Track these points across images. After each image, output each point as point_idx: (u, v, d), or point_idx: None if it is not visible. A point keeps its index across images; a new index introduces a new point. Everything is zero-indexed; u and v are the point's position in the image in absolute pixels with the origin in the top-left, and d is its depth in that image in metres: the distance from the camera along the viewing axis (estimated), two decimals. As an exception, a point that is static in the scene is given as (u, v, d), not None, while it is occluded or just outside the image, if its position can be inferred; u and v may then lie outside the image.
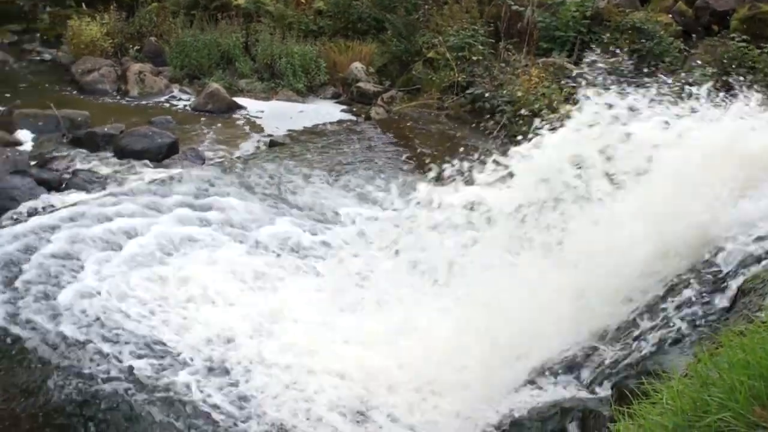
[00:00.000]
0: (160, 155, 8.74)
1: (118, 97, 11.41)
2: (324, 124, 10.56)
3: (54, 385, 4.50)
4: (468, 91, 10.37)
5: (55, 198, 7.51)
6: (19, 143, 9.20)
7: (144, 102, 11.20)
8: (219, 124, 10.29)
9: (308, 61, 11.94)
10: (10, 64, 12.82)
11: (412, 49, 11.76)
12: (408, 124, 9.97)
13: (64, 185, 7.86)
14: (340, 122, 10.72)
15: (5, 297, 5.37)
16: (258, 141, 9.76)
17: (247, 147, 9.51)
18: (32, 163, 8.52)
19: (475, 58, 10.71)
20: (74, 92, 11.56)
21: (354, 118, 11.01)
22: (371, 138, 9.47)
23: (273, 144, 9.29)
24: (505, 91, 9.78)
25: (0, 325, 5.05)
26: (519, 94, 9.48)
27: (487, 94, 9.93)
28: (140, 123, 9.89)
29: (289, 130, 10.17)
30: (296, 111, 11.07)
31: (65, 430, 4.24)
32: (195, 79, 12.04)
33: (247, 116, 10.76)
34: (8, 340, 4.93)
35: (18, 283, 5.53)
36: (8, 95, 11.10)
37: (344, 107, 11.47)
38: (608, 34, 10.66)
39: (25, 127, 9.61)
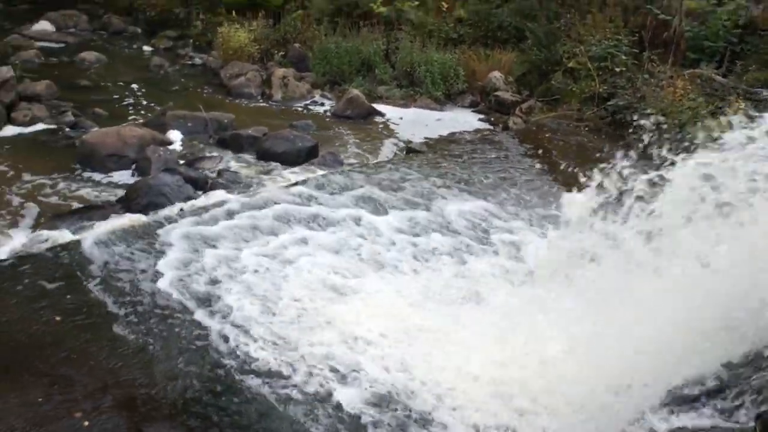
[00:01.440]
0: (300, 158, 8.99)
1: (263, 101, 11.84)
2: (461, 132, 10.55)
3: (197, 374, 4.71)
4: (609, 103, 10.11)
5: (200, 196, 7.87)
6: (170, 143, 9.70)
7: (287, 106, 11.58)
8: (358, 130, 10.48)
9: (447, 69, 11.98)
10: (165, 68, 13.59)
11: (552, 59, 11.59)
12: (546, 134, 9.83)
13: (209, 184, 8.22)
14: (477, 131, 10.69)
15: (165, 283, 5.70)
16: (395, 147, 9.88)
17: (385, 153, 9.64)
18: (181, 161, 8.97)
19: (617, 68, 10.43)
20: (222, 95, 12.09)
21: (491, 127, 10.96)
22: (508, 148, 9.39)
23: (410, 151, 9.37)
24: (648, 103, 9.48)
25: (156, 311, 5.35)
26: (663, 106, 9.17)
27: (629, 106, 9.65)
28: (282, 126, 10.22)
29: (426, 138, 10.24)
30: (434, 119, 11.13)
31: (201, 418, 4.42)
32: (336, 84, 12.33)
33: (386, 122, 10.90)
34: (159, 328, 5.21)
35: (176, 273, 5.84)
36: (163, 97, 11.76)
37: (482, 116, 11.43)
38: (764, 45, 10.14)
39: (176, 128, 10.13)
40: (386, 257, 6.38)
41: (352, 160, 9.22)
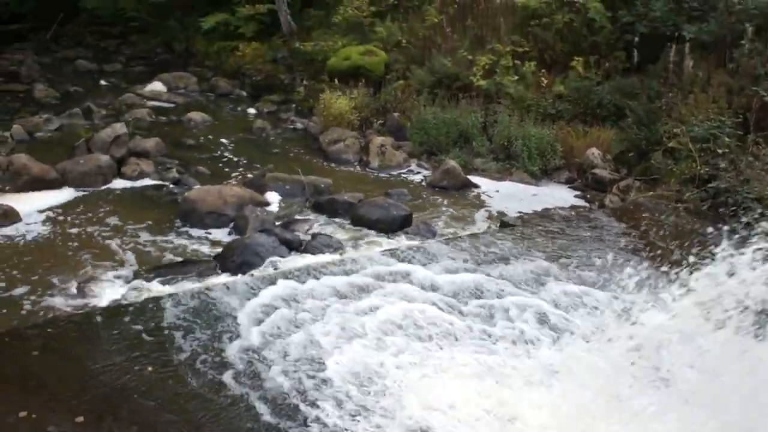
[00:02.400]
0: (394, 226, 9.03)
1: (360, 168, 12.03)
2: (556, 208, 10.43)
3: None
4: (710, 185, 9.84)
5: (294, 258, 7.99)
6: (268, 204, 9.93)
7: (383, 174, 11.72)
8: (452, 201, 10.50)
9: (544, 144, 11.93)
10: (267, 131, 14.01)
11: (652, 138, 11.39)
12: (644, 214, 9.61)
13: (303, 247, 8.34)
14: (572, 208, 10.55)
15: (255, 341, 5.77)
16: (489, 220, 9.83)
17: (479, 225, 9.60)
18: (277, 223, 9.15)
19: (719, 150, 10.17)
20: (320, 160, 12.35)
21: (587, 204, 10.80)
22: (604, 226, 9.22)
23: (504, 224, 9.31)
24: (752, 187, 9.18)
25: (245, 369, 5.41)
26: (768, 190, 8.87)
27: (731, 189, 9.37)
28: (378, 194, 10.34)
29: (521, 212, 10.16)
30: (529, 193, 11.06)
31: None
32: (432, 155, 12.42)
33: (480, 195, 10.89)
34: (247, 385, 5.26)
35: (267, 333, 5.93)
36: (263, 159, 12.11)
37: (578, 193, 11.28)
38: None
39: (275, 190, 10.38)
40: (476, 332, 6.29)
41: (445, 231, 9.22)
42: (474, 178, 11.36)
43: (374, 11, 17.11)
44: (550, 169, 11.93)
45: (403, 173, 11.83)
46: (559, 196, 11.06)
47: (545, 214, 10.02)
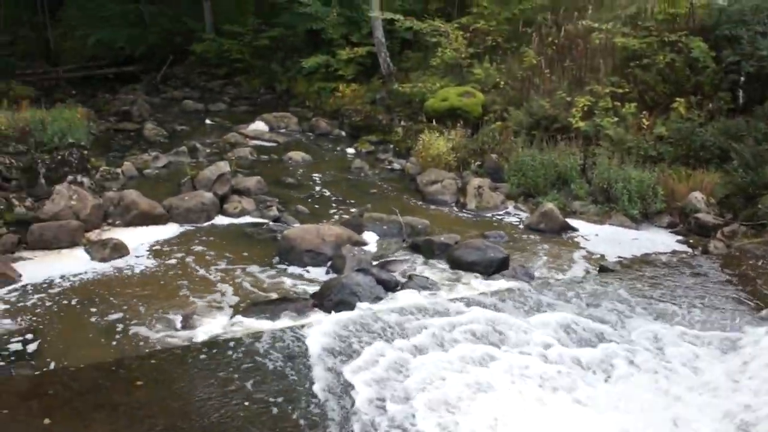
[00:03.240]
0: (491, 269, 8.96)
1: (456, 209, 12.02)
2: (657, 253, 10.15)
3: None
4: (824, 232, 9.43)
5: (391, 298, 8.01)
6: (365, 243, 10.03)
7: (480, 215, 11.68)
8: (550, 244, 10.35)
9: (645, 188, 11.65)
10: (365, 171, 14.20)
11: (759, 181, 10.99)
12: (750, 261, 9.24)
13: (399, 287, 8.36)
14: (674, 253, 10.24)
15: (351, 379, 5.81)
16: (588, 264, 9.64)
17: (577, 270, 9.42)
18: (374, 263, 9.22)
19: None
20: (417, 201, 12.41)
21: (689, 250, 10.46)
22: (707, 273, 8.90)
23: (603, 269, 9.11)
24: None
25: (339, 407, 5.45)
26: None
27: None
28: (475, 235, 10.31)
29: (620, 257, 9.93)
30: (629, 237, 10.80)
31: None
32: (530, 197, 12.32)
33: (579, 238, 10.70)
34: (341, 423, 5.29)
35: (363, 371, 5.98)
36: (361, 198, 12.27)
37: (680, 238, 10.94)
38: None
39: (372, 230, 10.49)
40: (575, 381, 6.15)
41: (543, 275, 9.09)
42: (572, 221, 11.18)
43: (472, 53, 17.22)
44: (651, 213, 11.62)
45: (500, 215, 11.76)
46: (660, 241, 10.75)
47: (646, 260, 9.77)
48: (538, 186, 12.33)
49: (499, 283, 8.50)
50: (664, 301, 7.83)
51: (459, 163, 13.68)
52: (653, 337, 6.94)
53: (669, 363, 6.51)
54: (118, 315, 7.82)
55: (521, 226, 11.16)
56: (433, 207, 12.09)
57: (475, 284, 8.57)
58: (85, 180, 12.40)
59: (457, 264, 9.18)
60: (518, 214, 11.77)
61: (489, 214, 11.73)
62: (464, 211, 11.91)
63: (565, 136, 13.25)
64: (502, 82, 15.78)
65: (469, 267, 9.05)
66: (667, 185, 11.84)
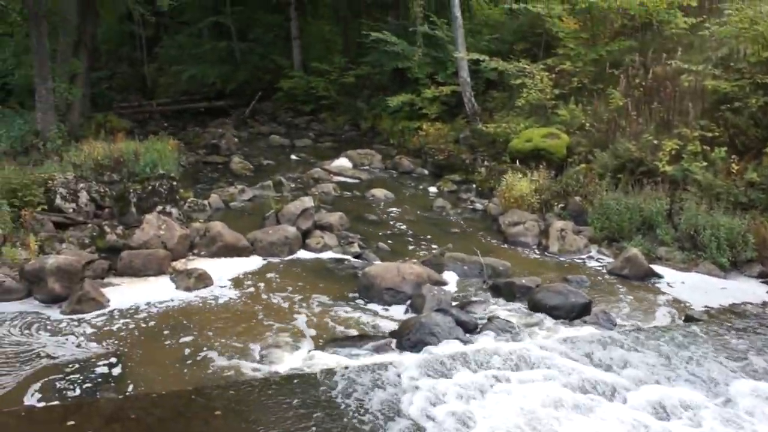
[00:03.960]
0: (572, 314, 8.80)
1: (538, 251, 11.89)
2: (746, 303, 9.77)
3: None
4: None
5: (470, 340, 7.95)
6: (445, 283, 10.00)
7: (562, 258, 11.51)
8: (633, 290, 10.11)
9: (734, 235, 11.29)
10: (447, 210, 14.22)
11: None
12: None
13: (479, 329, 8.29)
14: (765, 304, 9.86)
15: (419, 424, 5.77)
16: (673, 313, 9.36)
17: (662, 318, 9.15)
18: (454, 303, 9.18)
19: None
20: (498, 242, 12.33)
21: (782, 301, 10.07)
22: (801, 327, 8.56)
23: (689, 319, 8.85)
24: None
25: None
26: None
27: None
28: (556, 279, 10.16)
29: (707, 306, 9.61)
30: (717, 286, 10.46)
31: None
32: (613, 241, 12.09)
33: (664, 286, 10.41)
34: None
35: (436, 414, 5.92)
36: (442, 238, 12.26)
37: (772, 288, 10.56)
38: None
39: (452, 269, 10.47)
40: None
41: (626, 322, 8.87)
42: (657, 268, 10.90)
43: (557, 94, 17.13)
44: (741, 262, 11.23)
45: (583, 259, 11.55)
46: (750, 290, 10.37)
47: (735, 310, 9.43)
48: (623, 230, 12.09)
49: (581, 330, 8.33)
50: (755, 354, 7.55)
51: (542, 205, 13.56)
52: (747, 394, 6.69)
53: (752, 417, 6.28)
54: (200, 344, 7.99)
55: (604, 271, 10.94)
56: (514, 248, 11.99)
57: (557, 329, 8.42)
58: (174, 210, 12.78)
59: (537, 307, 9.05)
60: (601, 259, 11.54)
61: (571, 258, 11.55)
62: (546, 253, 11.75)
63: (651, 180, 12.99)
64: (588, 124, 15.61)
65: (550, 311, 8.91)
66: (759, 233, 11.44)
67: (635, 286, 10.27)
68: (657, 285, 10.43)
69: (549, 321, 8.70)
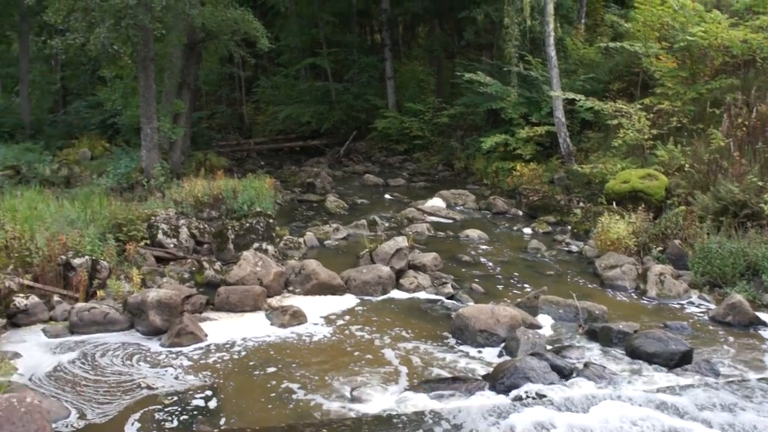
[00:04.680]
0: (672, 362, 8.49)
1: (635, 296, 11.58)
2: None
3: None
4: None
5: (564, 386, 7.78)
6: (540, 327, 9.86)
7: (661, 304, 11.17)
8: (738, 339, 9.71)
9: None
10: (541, 252, 14.05)
11: None
12: None
13: (574, 375, 8.11)
14: None
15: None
16: (782, 363, 8.96)
17: (769, 368, 8.79)
18: (548, 347, 9.02)
19: None
20: (594, 285, 12.08)
21: None
22: None
23: (799, 370, 8.46)
24: None
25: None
26: None
27: None
28: (654, 325, 9.87)
29: (821, 357, 9.17)
30: (828, 336, 9.97)
31: None
32: (715, 287, 11.68)
33: (771, 334, 10.00)
34: None
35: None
36: (536, 280, 12.12)
37: None
38: None
39: (547, 313, 10.33)
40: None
41: (730, 372, 8.51)
42: (763, 315, 10.46)
43: (655, 134, 16.80)
44: None
45: (683, 304, 11.18)
46: None
47: None
48: (726, 276, 11.67)
49: (682, 379, 8.04)
50: None
51: (639, 248, 13.24)
52: None
53: None
54: (293, 380, 8.11)
55: (706, 318, 10.56)
56: (611, 292, 11.72)
57: (656, 378, 8.13)
58: (270, 248, 13.07)
59: (636, 354, 8.79)
60: (703, 305, 11.15)
61: (670, 303, 11.20)
62: (644, 298, 11.44)
63: (755, 223, 12.54)
64: (687, 165, 15.23)
65: (649, 358, 8.64)
66: None
67: (740, 334, 9.87)
68: (763, 333, 10.00)
69: (648, 368, 8.42)
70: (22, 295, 9.98)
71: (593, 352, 9.05)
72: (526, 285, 11.96)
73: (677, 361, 8.50)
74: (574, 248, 14.36)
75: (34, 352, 8.89)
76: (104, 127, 25.64)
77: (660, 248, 13.06)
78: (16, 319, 9.79)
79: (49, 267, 10.67)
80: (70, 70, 31.70)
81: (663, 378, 8.12)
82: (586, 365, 8.31)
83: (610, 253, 12.89)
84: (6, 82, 34.03)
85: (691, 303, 11.25)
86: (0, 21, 28.25)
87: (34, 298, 10.00)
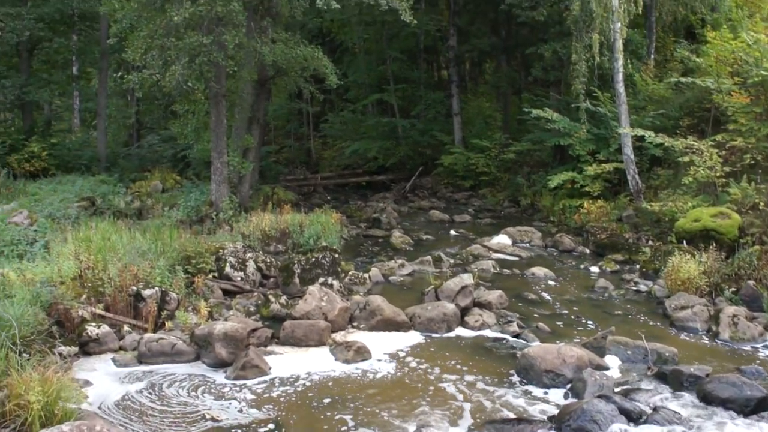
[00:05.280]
0: (748, 408, 8.20)
1: (707, 338, 11.24)
2: None
3: None
4: None
5: (633, 430, 7.59)
6: (607, 368, 9.67)
7: (734, 347, 10.81)
8: (816, 385, 9.35)
9: None
10: (609, 291, 13.80)
11: None
12: None
13: (643, 419, 7.90)
14: None
15: None
16: None
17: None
18: (616, 389, 8.82)
19: None
20: (664, 326, 11.78)
21: None
22: None
23: None
24: None
25: None
26: None
27: None
28: (728, 369, 9.56)
29: None
30: None
31: None
32: (793, 330, 11.30)
33: None
34: None
35: None
36: (603, 320, 11.90)
37: None
38: None
39: (615, 354, 10.11)
40: None
41: (807, 421, 8.20)
42: None
43: (728, 171, 16.41)
44: None
45: (758, 348, 10.81)
46: None
47: None
48: (804, 319, 11.28)
49: (758, 427, 7.75)
50: None
51: (711, 289, 12.88)
52: None
53: None
54: (356, 417, 8.12)
55: (785, 362, 10.20)
56: (681, 334, 11.40)
57: (730, 425, 7.84)
58: (335, 282, 13.16)
59: (708, 399, 8.52)
60: (779, 349, 10.78)
61: (745, 346, 10.84)
62: (716, 340, 11.10)
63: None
64: (762, 203, 14.82)
65: (722, 404, 8.36)
66: None
67: (819, 381, 9.50)
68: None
69: (721, 414, 8.15)
70: (94, 324, 10.25)
71: (663, 395, 8.80)
72: (592, 325, 11.74)
73: (753, 408, 8.21)
74: (642, 288, 14.04)
75: (104, 380, 9.13)
76: (176, 160, 26.35)
77: (733, 289, 12.69)
78: (88, 348, 10.07)
79: (120, 297, 10.95)
80: (145, 105, 32.74)
81: (737, 425, 7.84)
82: (655, 409, 8.09)
83: (680, 293, 12.58)
84: (85, 116, 35.36)
85: (767, 347, 10.88)
86: (82, 58, 29.46)
87: (105, 328, 10.27)
